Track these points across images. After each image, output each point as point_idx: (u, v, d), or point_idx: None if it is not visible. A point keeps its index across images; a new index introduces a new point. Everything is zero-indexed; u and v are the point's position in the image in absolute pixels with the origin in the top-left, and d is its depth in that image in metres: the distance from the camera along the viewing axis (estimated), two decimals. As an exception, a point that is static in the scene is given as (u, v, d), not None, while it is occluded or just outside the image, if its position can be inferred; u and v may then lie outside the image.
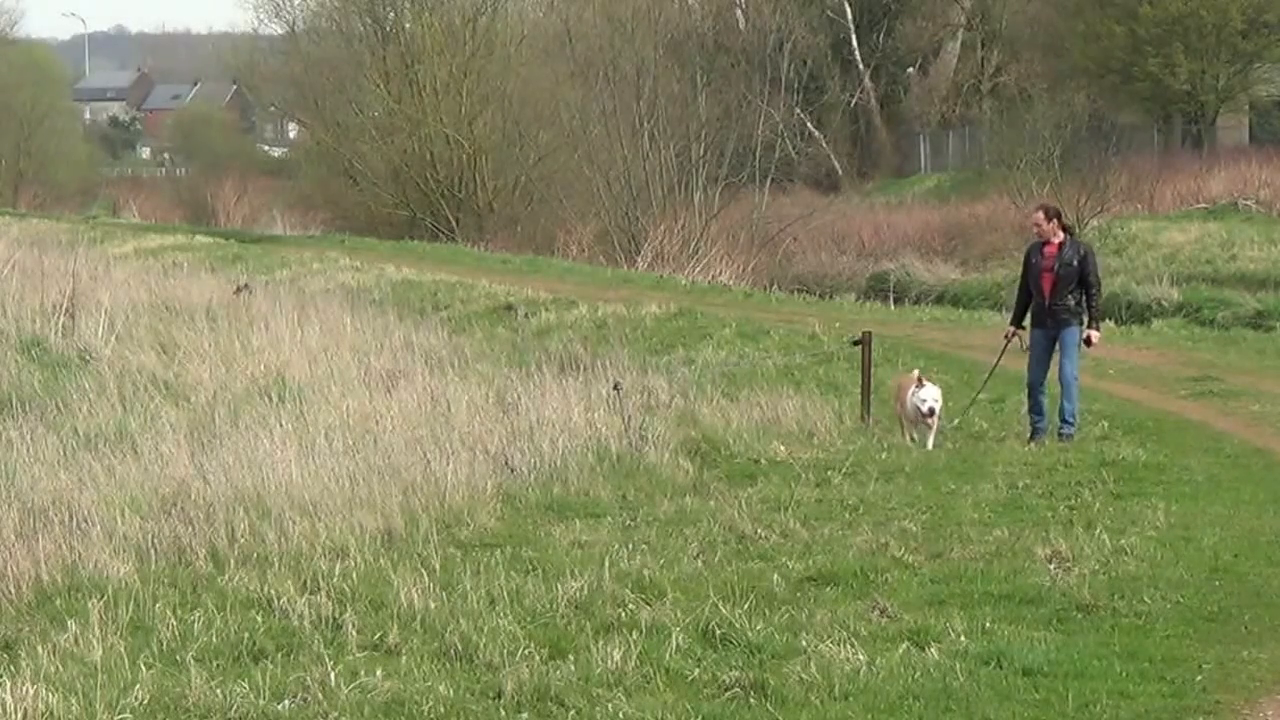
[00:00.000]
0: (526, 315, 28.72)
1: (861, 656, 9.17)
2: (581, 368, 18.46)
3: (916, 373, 16.99)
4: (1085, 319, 16.87)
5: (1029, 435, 16.75)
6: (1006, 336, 17.47)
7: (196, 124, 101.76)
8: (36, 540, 11.27)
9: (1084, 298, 16.83)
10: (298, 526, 12.01)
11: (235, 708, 8.51)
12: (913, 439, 16.61)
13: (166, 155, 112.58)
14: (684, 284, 36.26)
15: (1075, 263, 16.79)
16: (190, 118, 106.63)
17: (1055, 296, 16.79)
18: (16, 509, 12.05)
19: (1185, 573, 11.10)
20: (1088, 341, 16.98)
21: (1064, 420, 16.65)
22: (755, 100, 52.61)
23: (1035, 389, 16.85)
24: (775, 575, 10.97)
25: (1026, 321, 17.16)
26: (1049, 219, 17.00)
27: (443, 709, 8.55)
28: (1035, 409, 16.82)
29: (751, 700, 8.65)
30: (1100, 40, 60.12)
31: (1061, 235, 16.95)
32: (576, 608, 10.24)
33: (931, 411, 16.43)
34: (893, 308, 34.61)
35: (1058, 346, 16.88)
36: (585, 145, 50.70)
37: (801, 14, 66.02)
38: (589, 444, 15.12)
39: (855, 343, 18.76)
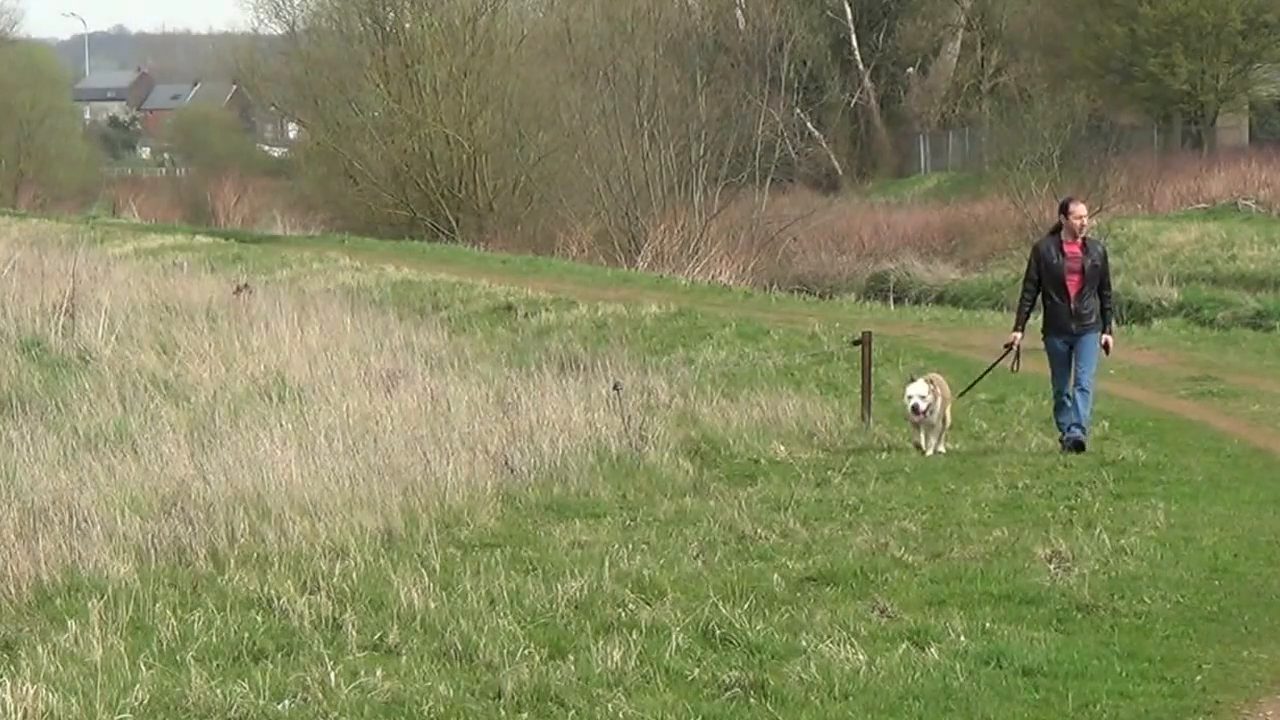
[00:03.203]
0: (526, 315, 28.72)
1: (861, 656, 9.17)
2: (581, 368, 18.45)
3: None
4: (1102, 324, 16.04)
5: (1061, 446, 15.83)
6: (1008, 345, 16.48)
7: (196, 124, 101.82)
8: (36, 540, 11.27)
9: (1100, 301, 16.02)
10: (298, 526, 12.01)
11: (235, 708, 8.51)
12: (918, 445, 16.01)
13: (166, 155, 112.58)
14: (684, 284, 36.26)
15: (1099, 263, 16.01)
16: (190, 118, 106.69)
17: (1081, 300, 15.91)
18: (16, 509, 12.04)
19: (1185, 573, 11.10)
20: (1105, 348, 16.13)
21: (1079, 426, 15.91)
22: (755, 100, 52.60)
23: (1065, 400, 15.92)
24: (775, 575, 10.97)
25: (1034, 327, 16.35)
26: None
27: (443, 709, 8.55)
28: (1063, 420, 15.92)
29: (751, 700, 8.65)
30: (1100, 40, 60.14)
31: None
32: (576, 608, 10.24)
33: (915, 409, 15.78)
34: (893, 308, 34.60)
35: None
36: (585, 145, 50.70)
37: (801, 14, 66.02)
38: (589, 444, 15.12)
39: (855, 343, 18.75)
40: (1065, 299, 15.92)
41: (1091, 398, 16.14)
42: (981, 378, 17.75)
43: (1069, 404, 15.93)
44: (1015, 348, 16.43)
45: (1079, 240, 16.04)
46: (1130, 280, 39.02)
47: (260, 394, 17.55)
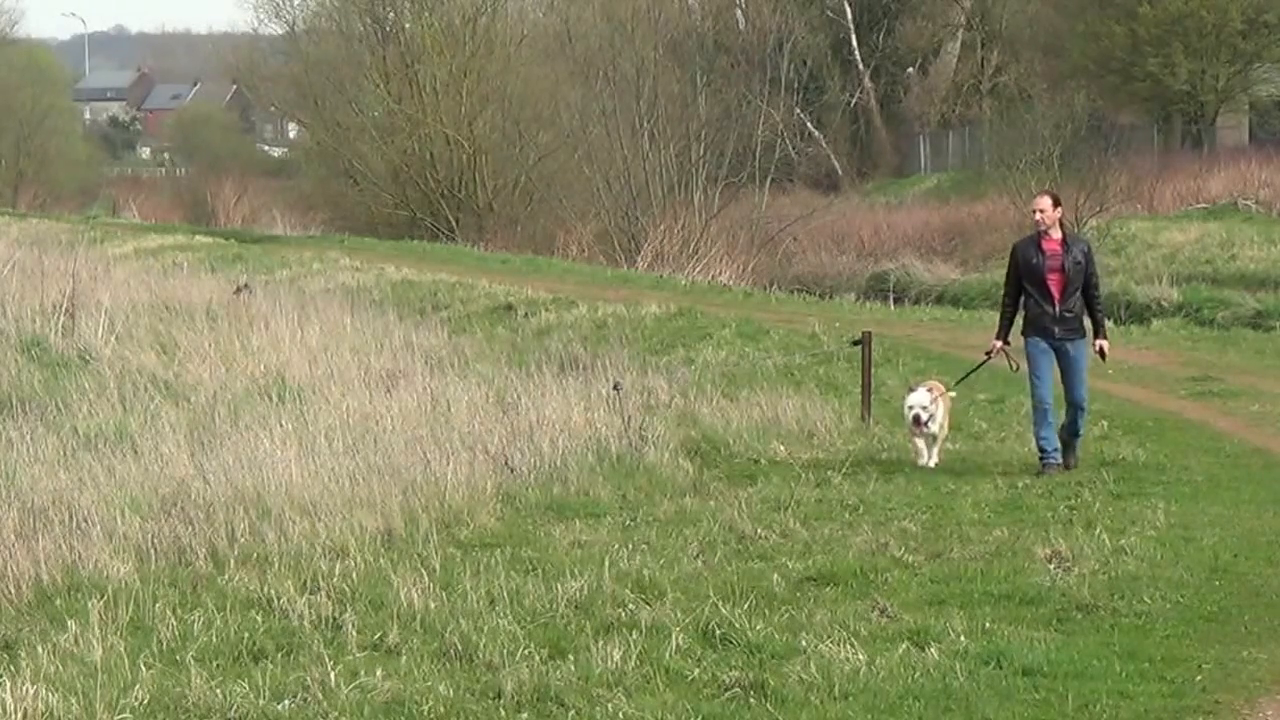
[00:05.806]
0: (526, 315, 28.72)
1: (861, 656, 9.17)
2: (581, 368, 18.47)
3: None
4: (1091, 326, 15.10)
5: (1041, 467, 14.74)
6: (989, 353, 15.46)
7: (196, 124, 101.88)
8: (36, 540, 11.28)
9: (1087, 301, 14.90)
10: (298, 526, 12.01)
11: (235, 708, 8.51)
12: (917, 455, 15.30)
13: (166, 155, 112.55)
14: (684, 284, 36.26)
15: (1083, 260, 14.80)
16: (190, 118, 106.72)
17: (1066, 301, 14.75)
18: (16, 509, 12.05)
19: (1185, 573, 11.10)
20: (1101, 354, 15.07)
21: (1059, 451, 14.81)
22: (755, 100, 52.63)
23: (1046, 410, 14.75)
24: (775, 575, 10.97)
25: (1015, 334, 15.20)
26: (1056, 206, 14.90)
27: (443, 709, 8.55)
28: (1046, 435, 14.79)
29: (751, 700, 8.65)
30: (1100, 40, 60.12)
31: (1060, 230, 14.98)
32: (576, 608, 10.24)
33: (917, 420, 15.12)
34: (893, 308, 34.63)
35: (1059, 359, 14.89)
36: (585, 145, 50.72)
37: (801, 14, 66.02)
38: (589, 444, 15.11)
39: (855, 343, 18.75)
40: (1050, 301, 14.78)
41: (1085, 414, 15.13)
42: (964, 379, 16.70)
43: (1050, 417, 14.78)
44: (995, 354, 15.44)
45: (1058, 236, 14.90)
46: (1130, 280, 39.03)
47: (260, 394, 17.55)
